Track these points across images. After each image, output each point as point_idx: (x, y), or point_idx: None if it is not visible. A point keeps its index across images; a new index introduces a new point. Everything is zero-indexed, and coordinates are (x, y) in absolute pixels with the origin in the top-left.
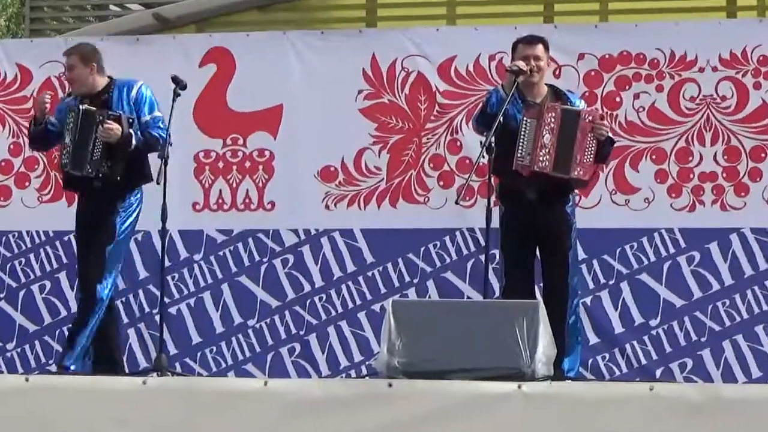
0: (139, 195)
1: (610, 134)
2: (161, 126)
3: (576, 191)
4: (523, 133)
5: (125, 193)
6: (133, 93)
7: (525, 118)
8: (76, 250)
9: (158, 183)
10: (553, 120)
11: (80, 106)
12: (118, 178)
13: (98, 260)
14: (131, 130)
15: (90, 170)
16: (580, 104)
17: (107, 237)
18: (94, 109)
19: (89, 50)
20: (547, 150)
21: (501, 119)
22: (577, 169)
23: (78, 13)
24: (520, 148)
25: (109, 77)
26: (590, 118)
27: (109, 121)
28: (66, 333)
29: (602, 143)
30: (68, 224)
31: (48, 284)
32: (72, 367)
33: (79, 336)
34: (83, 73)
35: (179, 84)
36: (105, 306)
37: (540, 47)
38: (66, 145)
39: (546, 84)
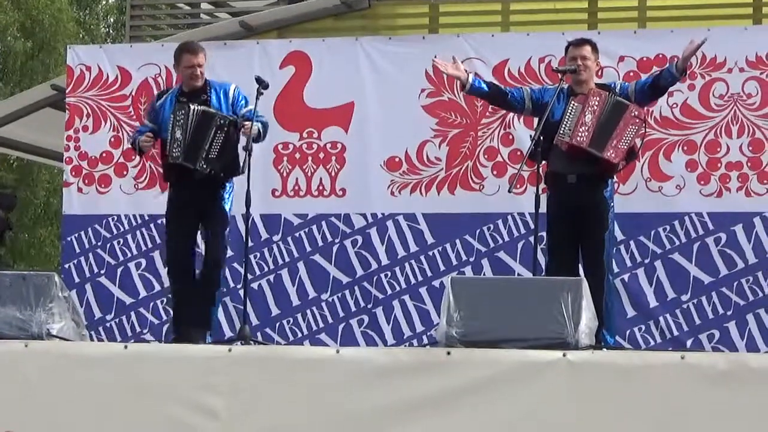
0: (232, 184)
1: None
2: (258, 114)
3: (614, 178)
4: (568, 113)
5: (225, 183)
6: (230, 94)
7: (572, 102)
8: (170, 232)
9: (242, 172)
10: (597, 103)
11: (192, 106)
12: (222, 174)
13: (222, 244)
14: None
15: (204, 166)
16: (621, 85)
17: (225, 222)
18: (213, 111)
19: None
20: (586, 127)
21: (550, 113)
22: (610, 151)
23: (172, 21)
24: (563, 125)
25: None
26: (636, 113)
27: (242, 122)
28: (159, 306)
29: (636, 144)
30: (162, 209)
31: (143, 262)
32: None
33: (215, 314)
34: (203, 71)
35: (262, 84)
36: None
37: (587, 48)
38: (177, 140)
39: (595, 83)
